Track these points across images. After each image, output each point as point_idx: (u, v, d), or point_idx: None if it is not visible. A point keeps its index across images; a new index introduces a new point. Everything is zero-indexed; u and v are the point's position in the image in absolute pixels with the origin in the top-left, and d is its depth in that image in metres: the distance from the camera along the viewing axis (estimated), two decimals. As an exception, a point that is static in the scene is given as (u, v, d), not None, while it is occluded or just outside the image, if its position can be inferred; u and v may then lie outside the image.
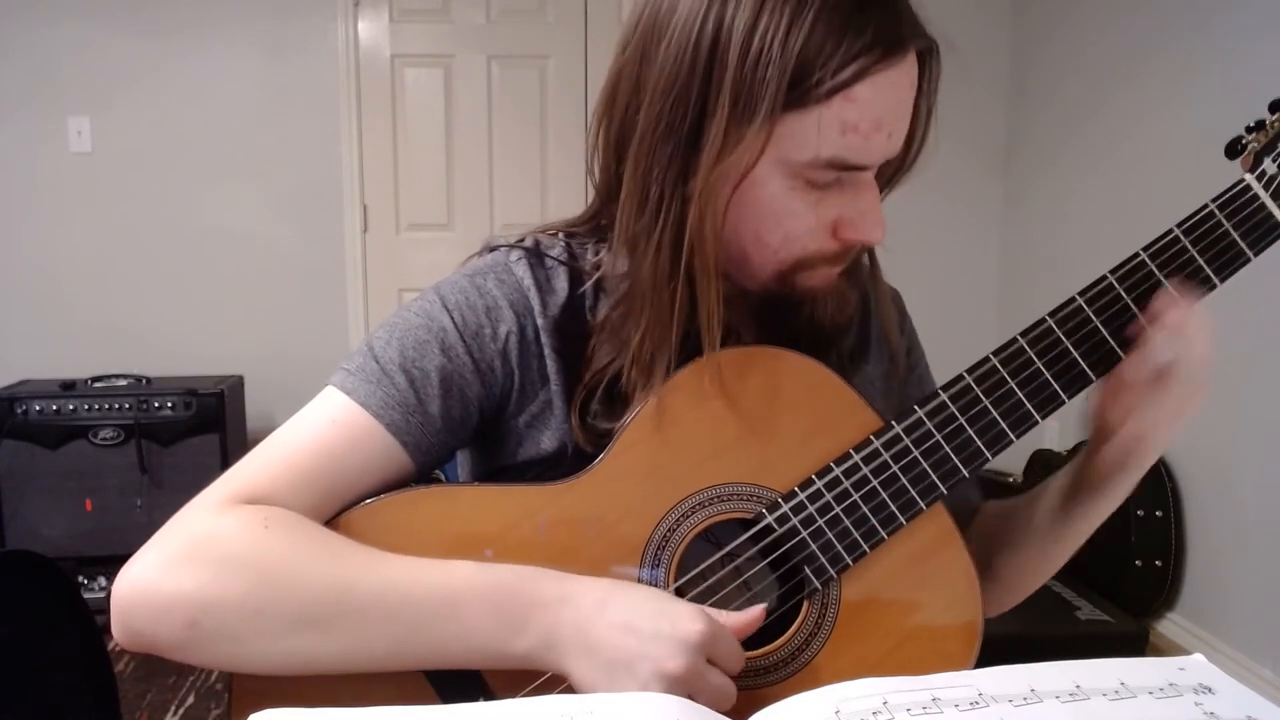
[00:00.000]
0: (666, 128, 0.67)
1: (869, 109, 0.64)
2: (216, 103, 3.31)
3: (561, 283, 0.76)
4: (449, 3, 3.38)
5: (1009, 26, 3.56)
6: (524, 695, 0.66)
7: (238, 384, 3.18)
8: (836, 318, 0.75)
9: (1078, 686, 0.46)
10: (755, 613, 0.65)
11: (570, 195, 3.39)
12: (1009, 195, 3.62)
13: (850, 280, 0.76)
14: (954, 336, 2.19)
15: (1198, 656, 0.50)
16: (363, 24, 3.36)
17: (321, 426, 0.70)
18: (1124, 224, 2.87)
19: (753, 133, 0.64)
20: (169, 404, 2.92)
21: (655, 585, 0.69)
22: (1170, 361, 0.68)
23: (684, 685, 0.59)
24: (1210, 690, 0.46)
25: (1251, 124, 0.75)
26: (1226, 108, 2.44)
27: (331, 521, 0.69)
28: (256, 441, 0.71)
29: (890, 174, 0.74)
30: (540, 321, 0.74)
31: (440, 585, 0.63)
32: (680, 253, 0.68)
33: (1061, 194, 3.28)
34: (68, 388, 2.95)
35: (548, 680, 0.65)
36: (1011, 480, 3.12)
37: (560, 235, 0.80)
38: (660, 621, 0.61)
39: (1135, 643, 2.51)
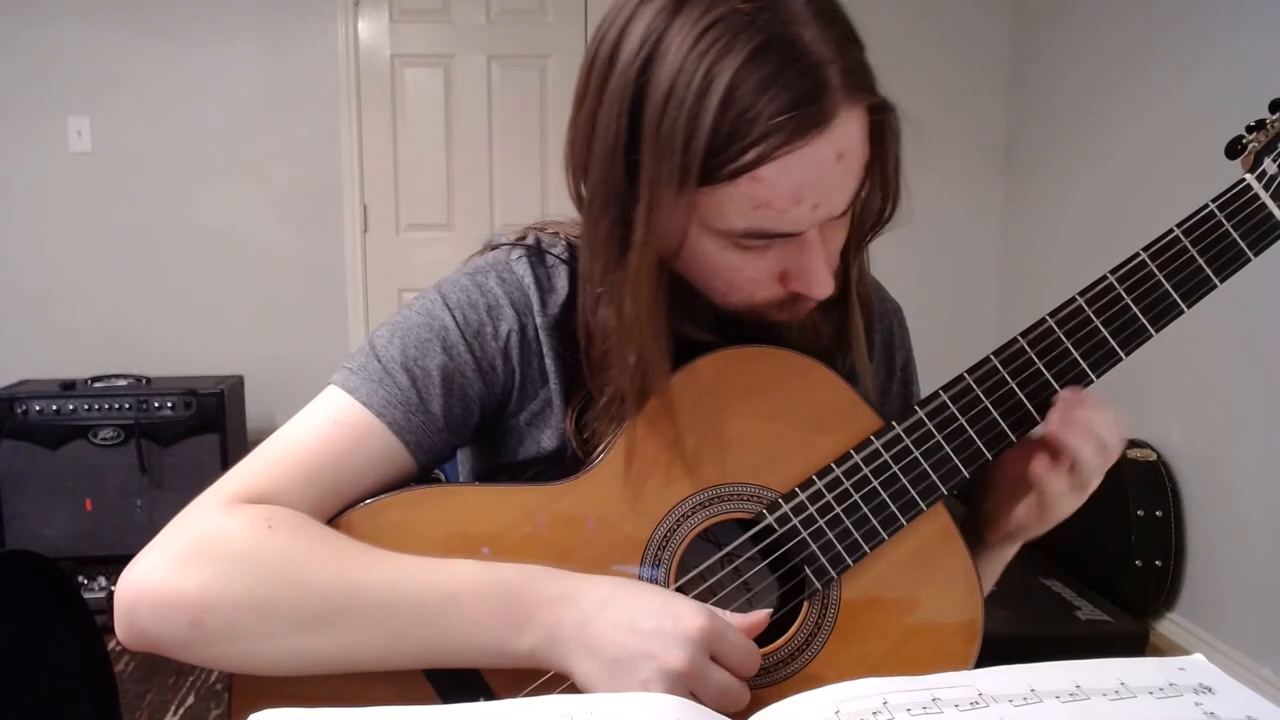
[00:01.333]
0: (603, 203, 0.66)
1: (780, 186, 0.62)
2: (216, 102, 3.31)
3: (562, 282, 0.76)
4: (449, 3, 3.38)
5: (1009, 25, 3.56)
6: (525, 695, 0.66)
7: (238, 384, 3.18)
8: (804, 348, 0.74)
9: (1078, 686, 0.46)
10: (760, 616, 0.65)
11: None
12: (1010, 193, 3.62)
13: (824, 313, 0.74)
14: (954, 335, 2.20)
15: (1198, 656, 0.50)
16: (363, 24, 3.36)
17: (324, 426, 0.70)
18: (1126, 221, 2.87)
19: (670, 215, 0.63)
20: (169, 404, 2.92)
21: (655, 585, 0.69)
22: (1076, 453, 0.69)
23: (686, 682, 0.59)
24: (1210, 690, 0.46)
25: (1252, 123, 0.75)
26: (1227, 102, 2.44)
27: (333, 521, 0.69)
28: (256, 442, 0.71)
29: (870, 226, 0.72)
30: (540, 320, 0.75)
31: (443, 584, 0.63)
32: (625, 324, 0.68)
33: (1063, 191, 3.27)
34: (68, 388, 2.95)
35: (549, 680, 0.65)
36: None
37: (561, 235, 0.80)
38: (662, 619, 0.60)
39: (1135, 643, 2.51)
